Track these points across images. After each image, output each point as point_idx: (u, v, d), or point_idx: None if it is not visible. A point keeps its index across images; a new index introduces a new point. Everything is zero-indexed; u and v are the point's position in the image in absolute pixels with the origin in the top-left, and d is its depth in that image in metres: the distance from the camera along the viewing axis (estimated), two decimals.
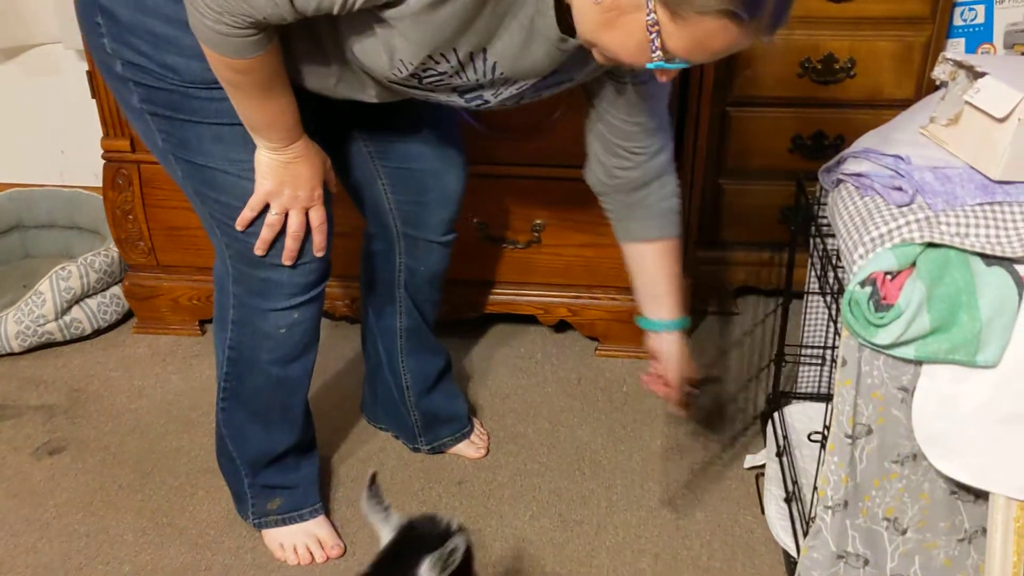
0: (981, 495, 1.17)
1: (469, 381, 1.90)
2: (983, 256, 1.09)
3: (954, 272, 1.08)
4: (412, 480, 1.63)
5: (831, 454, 1.20)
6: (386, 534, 1.05)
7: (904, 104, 1.50)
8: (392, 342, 1.60)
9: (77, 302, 1.98)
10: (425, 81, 1.12)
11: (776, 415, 1.61)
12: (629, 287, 1.47)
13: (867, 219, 1.14)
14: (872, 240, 1.11)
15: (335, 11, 1.02)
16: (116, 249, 2.01)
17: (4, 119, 2.32)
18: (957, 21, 1.84)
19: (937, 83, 1.26)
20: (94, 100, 1.82)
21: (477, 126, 1.75)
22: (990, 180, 1.13)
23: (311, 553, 1.47)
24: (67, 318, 1.97)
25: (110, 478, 1.64)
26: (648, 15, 0.94)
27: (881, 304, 1.08)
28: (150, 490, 1.61)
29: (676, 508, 1.57)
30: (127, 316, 2.09)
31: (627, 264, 1.40)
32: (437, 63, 1.08)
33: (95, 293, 2.02)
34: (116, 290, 2.06)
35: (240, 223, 1.24)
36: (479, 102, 1.17)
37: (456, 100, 1.17)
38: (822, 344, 1.60)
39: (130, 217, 1.92)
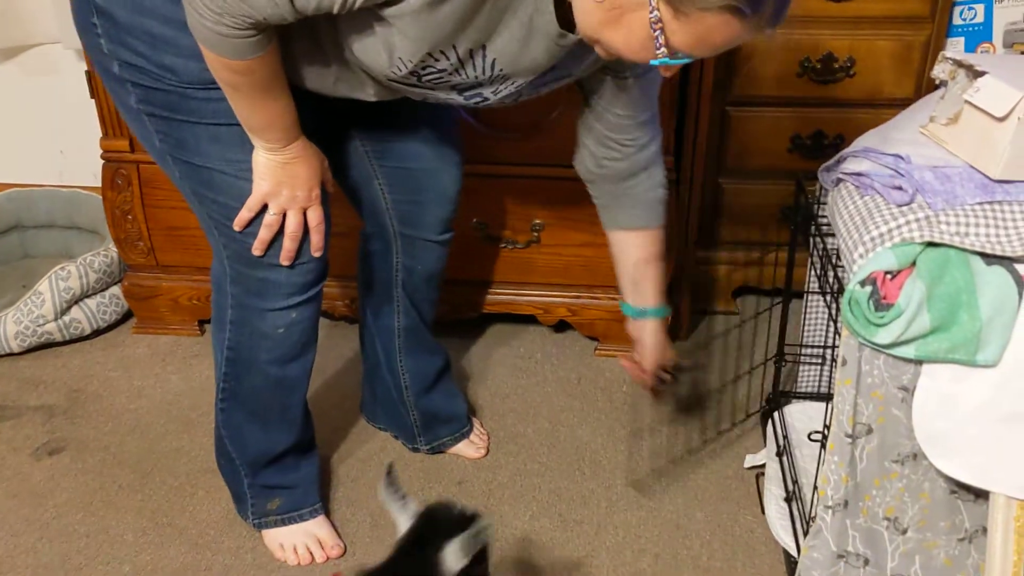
0: (981, 494, 1.17)
1: (469, 381, 1.89)
2: (983, 255, 1.09)
3: (954, 271, 1.08)
4: (412, 480, 1.63)
5: (831, 453, 1.20)
6: (404, 522, 1.07)
7: (903, 103, 1.51)
8: (390, 342, 1.60)
9: (76, 302, 1.98)
10: (424, 79, 1.12)
11: (776, 415, 1.61)
12: None
13: (867, 218, 1.14)
14: (872, 239, 1.11)
15: (335, 10, 1.02)
16: (115, 249, 2.01)
17: (3, 119, 2.32)
18: (956, 20, 1.84)
19: (937, 82, 1.26)
20: (93, 100, 1.82)
21: (476, 125, 1.75)
22: (990, 179, 1.13)
23: (311, 553, 1.47)
24: (66, 318, 1.97)
25: (110, 478, 1.64)
26: (651, 12, 0.95)
27: (881, 303, 1.08)
28: (150, 490, 1.61)
29: (676, 508, 1.57)
30: (126, 316, 2.09)
31: (611, 250, 1.43)
32: (437, 60, 1.08)
33: (94, 293, 2.01)
34: (115, 290, 2.05)
35: (238, 224, 1.24)
36: (478, 99, 1.17)
37: (455, 98, 1.17)
38: (822, 343, 1.60)
39: (129, 217, 1.92)
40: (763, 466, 1.59)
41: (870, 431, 1.17)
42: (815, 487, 1.26)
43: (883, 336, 1.09)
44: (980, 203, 1.11)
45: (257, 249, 1.25)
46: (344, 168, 1.44)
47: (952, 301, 1.07)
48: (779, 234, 1.79)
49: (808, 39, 1.81)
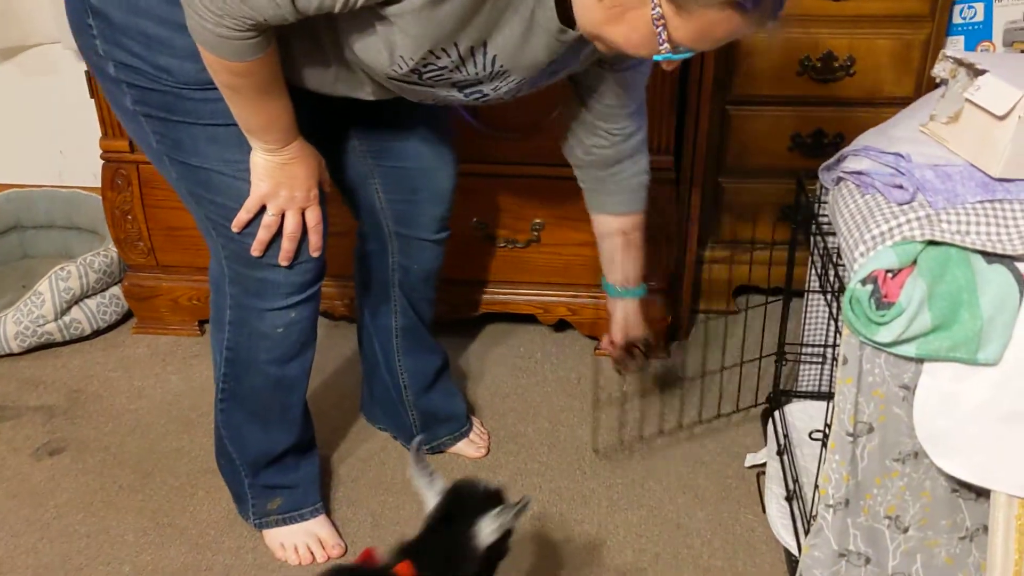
0: (982, 493, 1.17)
1: (469, 381, 1.89)
2: (984, 254, 1.09)
3: (955, 270, 1.08)
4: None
5: (832, 452, 1.20)
6: (431, 498, 1.11)
7: (903, 102, 1.51)
8: (388, 341, 1.60)
9: (76, 302, 1.98)
10: (425, 76, 1.12)
11: (777, 413, 1.61)
12: None
13: (868, 217, 1.14)
14: (873, 238, 1.11)
15: (337, 9, 1.02)
16: (115, 249, 2.01)
17: (2, 119, 2.32)
18: (956, 19, 1.84)
19: (937, 81, 1.26)
20: (93, 100, 1.82)
21: (476, 125, 1.75)
22: (990, 178, 1.13)
23: (312, 553, 1.47)
24: (66, 318, 1.97)
25: (110, 478, 1.64)
26: (653, 9, 0.95)
27: (882, 302, 1.08)
28: (150, 490, 1.61)
29: (677, 507, 1.57)
30: (127, 316, 2.09)
31: (595, 231, 1.48)
32: (438, 58, 1.08)
33: (94, 293, 2.01)
34: (115, 290, 2.05)
35: (236, 225, 1.24)
36: (477, 96, 1.17)
37: (455, 95, 1.17)
38: (822, 342, 1.60)
39: (129, 217, 1.91)
40: (764, 465, 1.59)
41: (871, 430, 1.17)
42: (816, 486, 1.26)
43: (884, 335, 1.09)
44: (981, 201, 1.11)
45: (256, 250, 1.25)
46: (340, 168, 1.44)
47: (953, 300, 1.07)
48: (780, 233, 1.79)
49: (808, 38, 1.81)
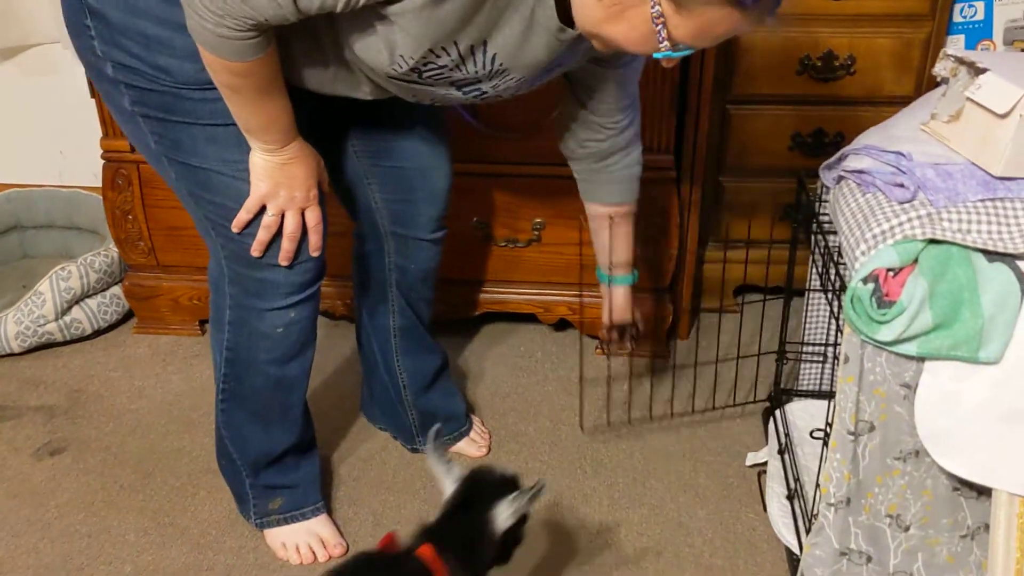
0: (984, 491, 1.17)
1: (469, 380, 1.89)
2: (985, 252, 1.09)
3: (956, 268, 1.08)
4: (414, 479, 1.63)
5: (834, 451, 1.20)
6: (449, 484, 1.15)
7: (904, 101, 1.51)
8: (387, 342, 1.60)
9: (77, 302, 1.98)
10: (425, 75, 1.12)
11: (778, 412, 1.61)
12: None
13: (869, 216, 1.14)
14: (874, 237, 1.11)
15: (339, 9, 1.02)
16: (116, 249, 2.01)
17: (2, 119, 2.32)
18: (957, 18, 1.84)
19: (938, 79, 1.26)
20: (93, 100, 1.82)
21: (477, 125, 1.75)
22: (992, 176, 1.13)
23: (313, 552, 1.47)
24: (67, 318, 1.97)
25: (111, 478, 1.64)
26: (652, 7, 0.96)
27: (883, 301, 1.08)
28: (151, 490, 1.61)
29: (678, 506, 1.57)
30: (127, 316, 2.09)
31: (588, 220, 1.52)
32: (438, 57, 1.08)
33: (95, 293, 2.01)
34: (116, 290, 2.05)
35: (236, 225, 1.24)
36: (476, 94, 1.18)
37: (454, 94, 1.17)
38: (823, 341, 1.60)
39: (130, 217, 1.91)
40: (765, 464, 1.59)
41: (872, 428, 1.17)
42: (817, 484, 1.26)
43: (885, 333, 1.09)
44: (982, 200, 1.11)
45: (256, 250, 1.25)
46: (337, 169, 1.44)
47: (954, 298, 1.07)
48: (780, 232, 1.79)
49: (808, 37, 1.81)
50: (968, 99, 1.16)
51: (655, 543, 1.50)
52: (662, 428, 1.75)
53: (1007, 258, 1.08)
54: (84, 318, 1.99)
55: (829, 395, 1.25)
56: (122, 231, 1.94)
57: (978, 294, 1.07)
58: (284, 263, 1.27)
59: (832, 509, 1.23)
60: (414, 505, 1.57)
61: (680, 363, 1.90)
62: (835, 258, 1.29)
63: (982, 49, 1.85)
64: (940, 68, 1.25)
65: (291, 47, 1.16)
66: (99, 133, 1.85)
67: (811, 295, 1.58)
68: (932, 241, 1.09)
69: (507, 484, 1.13)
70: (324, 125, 1.36)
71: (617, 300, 1.57)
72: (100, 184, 1.91)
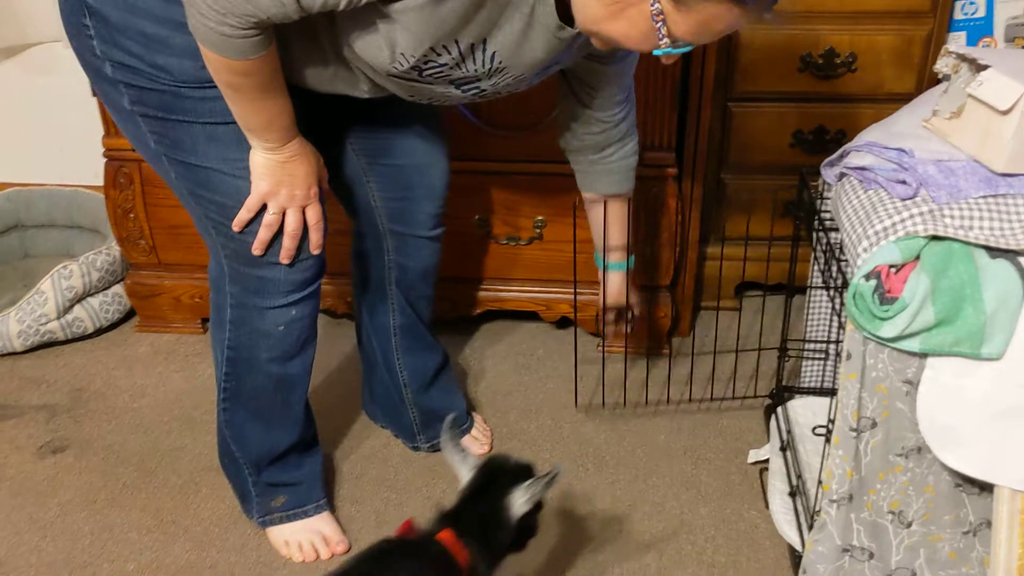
0: (986, 487, 1.17)
1: (471, 378, 1.90)
2: (987, 249, 1.09)
3: (958, 265, 1.08)
4: (416, 477, 1.63)
5: (836, 448, 1.20)
6: (465, 472, 1.17)
7: (905, 98, 1.50)
8: (387, 340, 1.60)
9: (79, 301, 1.98)
10: (425, 74, 1.12)
11: (779, 409, 1.61)
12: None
13: (871, 212, 1.14)
14: (876, 233, 1.11)
15: (341, 7, 1.02)
16: (117, 248, 2.01)
17: (3, 118, 2.32)
18: (958, 15, 1.84)
19: (940, 76, 1.26)
20: (94, 99, 1.81)
21: (478, 123, 1.75)
22: (993, 173, 1.13)
23: (316, 550, 1.47)
24: (69, 317, 1.97)
25: (113, 477, 1.64)
26: (652, 5, 0.96)
27: (886, 297, 1.08)
28: (153, 488, 1.61)
29: (680, 503, 1.57)
30: (129, 315, 2.09)
31: (585, 208, 1.55)
32: (439, 55, 1.08)
33: (97, 292, 2.01)
34: (118, 289, 2.05)
35: (237, 224, 1.24)
36: (475, 92, 1.18)
37: (453, 92, 1.17)
38: (825, 338, 1.60)
39: (131, 216, 1.92)
40: (766, 461, 1.59)
41: (874, 425, 1.17)
42: (819, 481, 1.26)
43: (887, 330, 1.09)
44: (984, 196, 1.11)
45: (257, 249, 1.25)
46: (336, 167, 1.44)
47: (956, 294, 1.07)
48: (781, 229, 1.79)
49: (809, 34, 1.81)
50: (970, 95, 1.16)
51: (657, 540, 1.50)
52: (664, 426, 1.75)
53: (1009, 254, 1.08)
54: (86, 317, 1.99)
55: (831, 392, 1.25)
56: (124, 230, 1.94)
57: (980, 290, 1.07)
58: (285, 261, 1.27)
59: (834, 506, 1.23)
60: (416, 503, 1.58)
61: (681, 359, 1.90)
62: (837, 255, 1.29)
63: (983, 46, 1.85)
64: (942, 64, 1.25)
65: (290, 46, 1.16)
66: (100, 131, 1.85)
67: (812, 292, 1.58)
68: (934, 237, 1.09)
69: (522, 471, 1.16)
70: (322, 124, 1.36)
71: (612, 285, 1.60)
72: (101, 183, 1.91)
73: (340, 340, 1.96)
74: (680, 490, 1.60)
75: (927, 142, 1.21)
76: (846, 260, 1.20)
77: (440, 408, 1.66)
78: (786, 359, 1.65)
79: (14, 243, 2.24)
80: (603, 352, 1.84)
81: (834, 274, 1.28)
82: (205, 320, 2.03)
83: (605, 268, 1.59)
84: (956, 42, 1.85)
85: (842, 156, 1.31)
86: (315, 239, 1.28)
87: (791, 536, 1.41)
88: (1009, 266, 1.08)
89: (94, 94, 1.81)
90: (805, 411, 1.59)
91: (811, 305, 1.59)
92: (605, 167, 1.46)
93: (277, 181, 1.22)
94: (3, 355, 1.96)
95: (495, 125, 1.76)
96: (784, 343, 1.63)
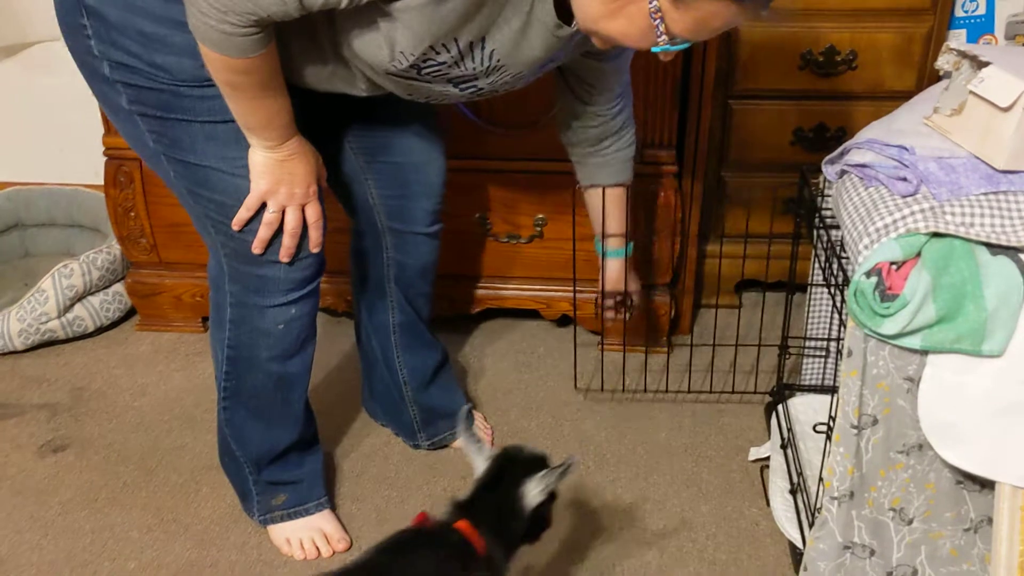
0: (987, 484, 1.17)
1: (471, 376, 1.90)
2: (988, 245, 1.09)
3: (959, 261, 1.08)
4: (416, 475, 1.63)
5: (837, 445, 1.20)
6: (480, 463, 1.18)
7: (905, 96, 1.50)
8: (387, 339, 1.60)
9: (79, 300, 1.98)
10: (424, 72, 1.12)
11: (780, 407, 1.61)
12: None
13: (872, 209, 1.14)
14: (877, 230, 1.11)
15: (343, 6, 1.02)
16: (118, 246, 2.01)
17: (3, 117, 2.32)
18: (958, 12, 1.84)
19: (941, 73, 1.26)
20: (95, 97, 1.81)
21: (478, 121, 1.75)
22: (994, 169, 1.13)
23: (317, 548, 1.47)
24: (69, 316, 1.97)
25: (114, 475, 1.64)
26: (651, 2, 0.97)
27: (887, 294, 1.08)
28: (154, 487, 1.61)
29: (681, 501, 1.57)
30: (130, 313, 2.09)
31: (584, 198, 1.56)
32: (438, 54, 1.08)
33: (97, 291, 2.01)
34: (118, 287, 2.05)
35: (237, 223, 1.24)
36: (472, 90, 1.18)
37: (451, 90, 1.18)
38: (825, 336, 1.60)
39: (132, 214, 1.92)
40: (767, 459, 1.59)
41: (876, 422, 1.17)
42: (820, 479, 1.26)
43: (889, 327, 1.09)
44: (985, 193, 1.11)
45: (257, 247, 1.25)
46: (334, 166, 1.44)
47: (957, 291, 1.07)
48: (782, 227, 1.79)
49: (810, 32, 1.81)
50: (971, 93, 1.16)
51: (658, 538, 1.50)
52: (664, 424, 1.75)
53: (1010, 251, 1.08)
54: (86, 315, 1.99)
55: (832, 389, 1.25)
56: (124, 228, 1.94)
57: (981, 287, 1.07)
58: (285, 259, 1.27)
59: (835, 503, 1.23)
60: (417, 501, 1.58)
61: (681, 355, 1.90)
62: (838, 252, 1.29)
63: (984, 44, 1.85)
64: (943, 62, 1.24)
65: (289, 44, 1.16)
66: (100, 130, 1.85)
67: (813, 290, 1.58)
68: (935, 235, 1.09)
69: (536, 462, 1.17)
70: (320, 123, 1.36)
71: (611, 271, 1.61)
72: (102, 181, 1.91)
73: (340, 339, 1.96)
74: (681, 488, 1.60)
75: (928, 139, 1.21)
76: (847, 257, 1.20)
77: (440, 406, 1.66)
78: (787, 356, 1.65)
79: (14, 242, 2.24)
80: (602, 349, 1.85)
81: (835, 271, 1.28)
82: (206, 319, 2.03)
83: (604, 255, 1.60)
84: (956, 40, 1.85)
85: (843, 153, 1.31)
86: (315, 237, 1.28)
87: (792, 533, 1.41)
88: (1010, 263, 1.07)
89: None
90: (806, 408, 1.59)
91: (812, 302, 1.59)
92: (603, 159, 1.47)
93: (276, 179, 1.22)
94: (4, 354, 1.96)
95: (495, 123, 1.76)
96: (785, 340, 1.63)
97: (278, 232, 1.25)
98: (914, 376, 1.12)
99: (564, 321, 2.02)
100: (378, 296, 1.57)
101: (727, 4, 0.96)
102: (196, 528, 1.52)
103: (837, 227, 1.28)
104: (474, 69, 1.13)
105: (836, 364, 1.50)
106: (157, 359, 1.96)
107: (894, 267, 1.09)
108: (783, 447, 1.54)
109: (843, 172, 1.30)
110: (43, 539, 1.51)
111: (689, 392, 1.80)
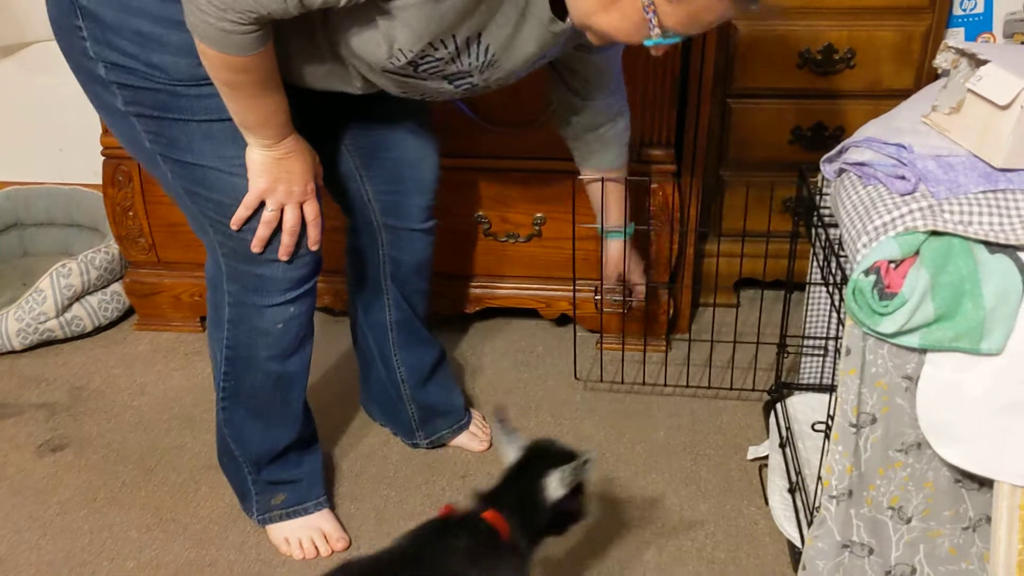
0: (985, 483, 1.17)
1: (471, 375, 1.90)
2: (986, 244, 1.09)
3: (958, 260, 1.08)
4: (416, 474, 1.63)
5: (836, 443, 1.20)
6: (511, 454, 1.20)
7: (903, 94, 1.51)
8: (383, 336, 1.60)
9: (78, 299, 1.98)
10: (421, 69, 1.12)
11: (779, 406, 1.61)
12: None
13: (870, 208, 1.14)
14: (875, 229, 1.11)
15: (342, 4, 1.02)
16: (116, 246, 2.01)
17: (2, 116, 2.32)
18: (957, 10, 1.84)
19: (939, 71, 1.26)
20: (90, 100, 1.81)
21: (476, 120, 1.75)
22: (993, 168, 1.13)
23: (316, 547, 1.47)
24: (68, 315, 1.97)
25: (113, 475, 1.64)
26: None
27: (885, 292, 1.08)
28: (153, 487, 1.61)
29: (680, 499, 1.57)
30: (128, 313, 2.09)
31: (583, 182, 1.58)
32: (436, 50, 1.09)
33: (96, 290, 2.01)
34: (117, 287, 2.05)
35: (235, 222, 1.24)
36: (467, 87, 1.18)
37: (445, 87, 1.18)
38: (824, 334, 1.60)
39: (130, 214, 1.91)
40: (766, 458, 1.59)
41: (874, 420, 1.17)
42: (819, 477, 1.26)
43: (887, 325, 1.09)
44: (983, 192, 1.11)
45: (256, 246, 1.25)
46: (330, 165, 1.44)
47: (956, 290, 1.07)
48: (780, 225, 1.80)
49: (808, 30, 1.81)
50: (969, 91, 1.16)
51: (657, 536, 1.50)
52: (663, 423, 1.75)
53: (1008, 249, 1.08)
54: (85, 315, 1.99)
55: (830, 388, 1.25)
56: (123, 228, 1.94)
57: (980, 285, 1.07)
58: (284, 258, 1.27)
59: (834, 502, 1.23)
60: (416, 500, 1.58)
61: (679, 354, 1.90)
62: (836, 251, 1.29)
63: (982, 42, 1.85)
64: (941, 60, 1.24)
65: (286, 43, 1.16)
66: (99, 130, 1.84)
67: (811, 288, 1.58)
68: (934, 233, 1.09)
69: (563, 456, 1.18)
70: (316, 122, 1.36)
71: (611, 253, 1.63)
72: (100, 181, 1.91)
73: (338, 338, 1.96)
74: (680, 486, 1.60)
75: (926, 137, 1.21)
76: (845, 256, 1.20)
77: (438, 404, 1.66)
78: (785, 355, 1.65)
79: (13, 241, 2.24)
80: (601, 347, 1.85)
81: (833, 270, 1.28)
82: (204, 318, 2.02)
83: (604, 236, 1.62)
84: (955, 38, 1.85)
85: (841, 152, 1.31)
86: (313, 235, 1.28)
87: (791, 532, 1.41)
88: (1008, 261, 1.07)
89: None
90: (804, 407, 1.59)
91: (810, 301, 1.59)
92: (600, 144, 1.49)
93: (274, 178, 1.22)
94: (2, 354, 1.96)
95: (494, 121, 1.76)
96: (783, 339, 1.63)
97: (277, 231, 1.25)
98: (913, 374, 1.12)
99: (563, 320, 2.02)
100: (374, 294, 1.57)
101: None
102: (195, 528, 1.52)
103: (835, 225, 1.28)
104: (470, 65, 1.13)
105: (834, 363, 1.50)
106: (155, 359, 1.96)
107: (892, 265, 1.09)
108: (782, 446, 1.54)
109: (841, 170, 1.30)
110: (42, 539, 1.51)
111: (687, 387, 1.80)
